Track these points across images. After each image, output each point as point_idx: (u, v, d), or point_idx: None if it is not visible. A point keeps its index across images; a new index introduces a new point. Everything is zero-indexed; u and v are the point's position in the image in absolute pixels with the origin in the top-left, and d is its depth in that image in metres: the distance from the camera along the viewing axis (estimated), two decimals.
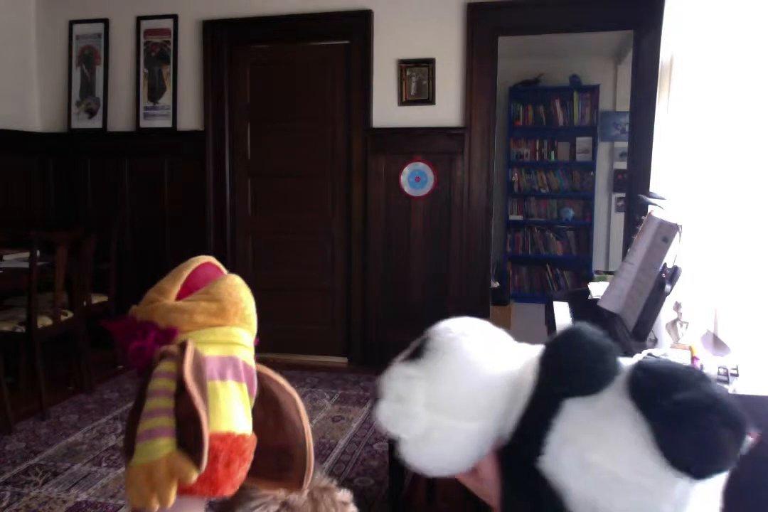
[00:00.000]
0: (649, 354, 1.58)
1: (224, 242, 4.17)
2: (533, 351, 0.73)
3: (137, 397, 0.88)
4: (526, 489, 0.65)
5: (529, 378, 0.66)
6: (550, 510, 0.61)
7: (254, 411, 0.89)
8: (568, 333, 0.64)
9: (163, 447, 0.79)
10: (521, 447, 0.65)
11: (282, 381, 0.89)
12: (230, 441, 0.83)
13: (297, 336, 4.15)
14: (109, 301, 3.84)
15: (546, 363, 0.66)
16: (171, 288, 0.93)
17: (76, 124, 4.32)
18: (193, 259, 0.97)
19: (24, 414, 3.14)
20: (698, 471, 0.54)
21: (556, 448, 0.63)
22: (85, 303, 3.54)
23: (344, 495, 0.89)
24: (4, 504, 2.32)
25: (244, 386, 0.87)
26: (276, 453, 0.88)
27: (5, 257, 3.47)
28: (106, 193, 4.33)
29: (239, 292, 0.91)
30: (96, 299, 3.73)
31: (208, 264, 0.96)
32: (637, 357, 0.66)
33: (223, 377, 0.86)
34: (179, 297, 0.92)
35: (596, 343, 0.63)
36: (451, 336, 0.70)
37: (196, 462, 0.75)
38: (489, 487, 0.65)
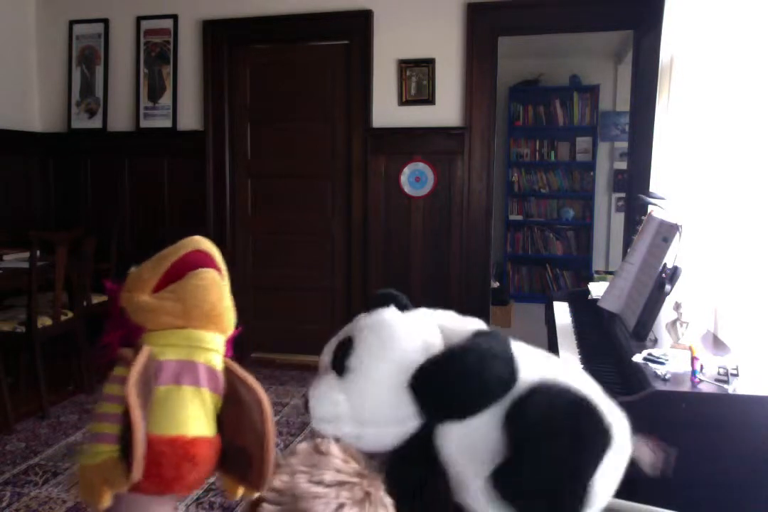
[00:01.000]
0: (649, 354, 1.58)
1: (224, 242, 4.17)
2: (435, 341, 0.79)
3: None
4: (414, 457, 0.72)
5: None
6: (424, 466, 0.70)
7: (224, 410, 0.88)
8: (444, 359, 0.69)
9: (100, 453, 0.80)
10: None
11: (252, 382, 0.88)
12: (178, 445, 0.82)
13: (297, 336, 4.15)
14: (109, 301, 3.83)
15: (417, 390, 0.71)
16: (149, 278, 0.92)
17: (76, 124, 4.32)
18: (184, 243, 0.94)
19: (24, 414, 3.14)
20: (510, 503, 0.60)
21: (441, 438, 0.70)
22: (85, 303, 3.54)
23: (388, 498, 0.87)
24: (4, 504, 2.32)
25: (204, 390, 0.86)
26: (237, 453, 0.87)
27: (5, 257, 3.47)
28: (106, 193, 4.33)
29: (206, 293, 0.89)
30: (96, 299, 3.72)
31: (197, 252, 0.94)
32: (537, 379, 0.69)
33: (178, 381, 0.85)
34: (157, 288, 0.90)
35: (471, 371, 0.67)
36: (373, 348, 0.74)
37: (129, 468, 0.76)
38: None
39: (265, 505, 0.81)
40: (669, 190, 2.57)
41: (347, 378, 0.75)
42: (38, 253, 3.04)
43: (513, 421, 0.63)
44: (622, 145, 5.29)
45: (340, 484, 0.81)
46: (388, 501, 0.83)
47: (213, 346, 0.88)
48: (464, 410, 0.65)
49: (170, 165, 4.22)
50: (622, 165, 5.19)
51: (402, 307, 0.95)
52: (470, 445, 0.66)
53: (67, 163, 4.37)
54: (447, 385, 0.67)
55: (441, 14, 3.78)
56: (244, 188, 4.22)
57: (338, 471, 0.82)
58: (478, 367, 0.65)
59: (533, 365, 0.77)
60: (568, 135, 5.92)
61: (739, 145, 1.89)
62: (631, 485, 0.85)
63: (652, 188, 2.90)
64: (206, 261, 0.94)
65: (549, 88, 5.87)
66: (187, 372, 0.84)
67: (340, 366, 0.76)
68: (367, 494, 0.80)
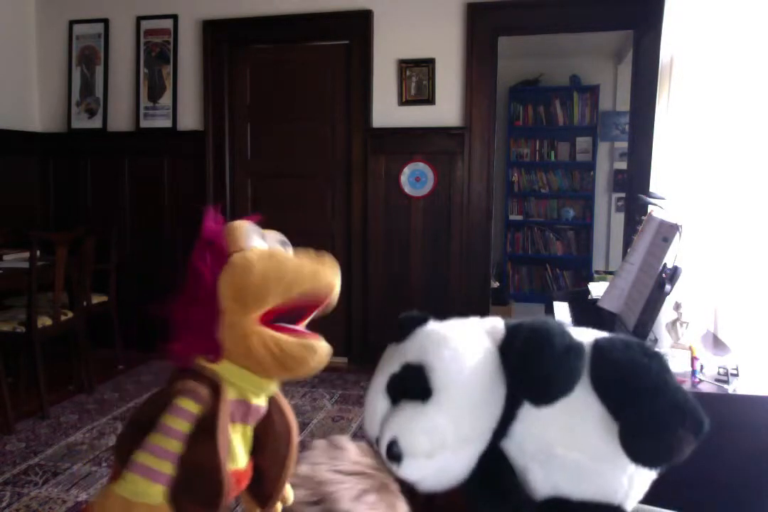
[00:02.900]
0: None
1: None
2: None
3: (151, 403, 0.86)
4: (490, 472, 0.67)
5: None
6: (511, 494, 0.63)
7: (257, 432, 0.90)
8: (533, 345, 0.64)
9: (153, 494, 0.79)
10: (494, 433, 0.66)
11: (288, 412, 0.90)
12: (234, 479, 0.85)
13: None
14: (109, 301, 3.84)
15: (509, 368, 0.66)
16: (266, 300, 0.83)
17: (76, 124, 4.31)
18: (319, 273, 0.88)
19: (24, 414, 3.14)
20: (653, 465, 0.57)
21: (520, 437, 0.64)
22: (85, 303, 3.54)
23: (402, 502, 0.88)
24: (4, 504, 2.32)
25: (249, 427, 0.88)
26: (253, 470, 0.89)
27: (5, 257, 3.47)
28: (106, 193, 4.33)
29: (308, 365, 0.85)
30: (96, 299, 3.72)
31: (326, 291, 0.89)
32: (592, 336, 0.66)
33: (233, 419, 0.86)
34: (264, 318, 0.84)
35: (560, 356, 0.63)
36: (453, 370, 0.68)
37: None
38: None
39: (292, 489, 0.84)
40: (669, 190, 2.57)
41: (437, 399, 0.68)
42: (38, 252, 3.04)
43: (602, 378, 0.60)
44: (622, 145, 5.29)
45: (359, 474, 0.82)
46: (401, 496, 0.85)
47: (271, 392, 0.89)
48: (557, 389, 0.62)
49: (170, 165, 4.22)
50: (622, 165, 5.19)
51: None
52: (574, 425, 0.61)
53: (67, 163, 4.37)
54: (540, 363, 0.63)
55: (441, 14, 3.78)
56: (244, 188, 4.22)
57: (355, 462, 0.84)
58: (560, 339, 0.63)
59: (577, 333, 0.73)
60: (568, 135, 5.92)
61: (739, 145, 1.89)
62: None
63: (652, 188, 2.89)
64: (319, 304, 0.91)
65: (549, 88, 5.86)
66: (239, 410, 0.85)
67: (418, 393, 0.70)
68: (384, 485, 0.82)
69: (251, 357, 0.81)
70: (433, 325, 0.86)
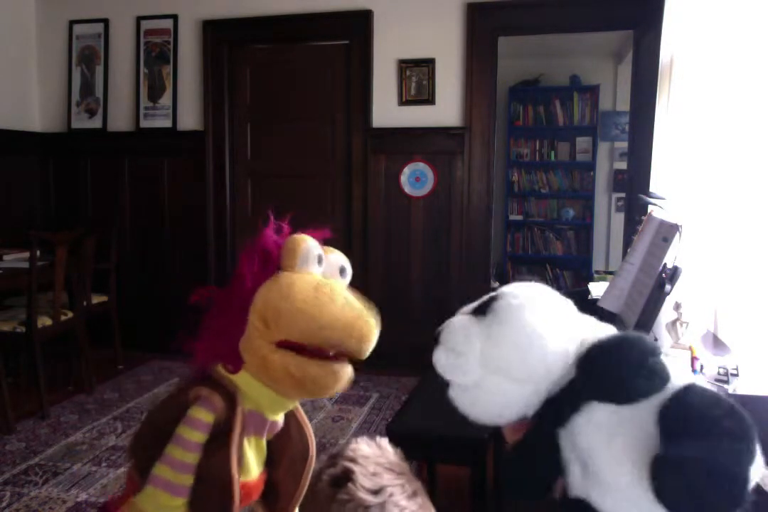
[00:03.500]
0: None
1: (224, 242, 4.17)
2: (594, 326, 0.75)
3: (167, 407, 0.85)
4: (540, 448, 0.69)
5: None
6: (550, 467, 0.65)
7: (272, 445, 0.90)
8: (617, 341, 0.66)
9: (176, 507, 0.78)
10: (550, 416, 0.67)
11: (307, 428, 0.90)
12: (245, 490, 0.85)
13: None
14: (109, 301, 3.84)
15: (584, 366, 0.67)
16: (280, 334, 0.80)
17: (76, 124, 4.31)
18: (353, 315, 0.84)
19: (24, 414, 3.14)
20: (671, 507, 0.56)
21: (576, 431, 0.66)
22: (85, 303, 3.54)
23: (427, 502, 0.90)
24: (4, 504, 2.32)
25: (263, 440, 0.88)
26: (267, 483, 0.90)
27: (5, 257, 3.47)
28: (106, 193, 4.33)
29: (327, 389, 0.84)
30: (96, 299, 3.72)
31: (361, 334, 0.88)
32: (691, 380, 0.66)
33: (247, 432, 0.86)
34: (286, 342, 0.81)
35: (639, 359, 0.64)
36: (517, 303, 0.72)
37: None
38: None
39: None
40: (669, 190, 2.57)
41: (488, 318, 0.73)
42: (38, 252, 3.04)
43: (669, 415, 0.60)
44: (622, 145, 5.29)
45: (404, 475, 0.84)
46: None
47: (288, 408, 0.89)
48: (628, 392, 0.63)
49: (170, 165, 4.22)
50: (622, 165, 5.18)
51: None
52: (620, 435, 0.62)
53: (67, 163, 4.37)
54: (620, 364, 0.64)
55: (441, 14, 3.78)
56: (244, 188, 4.22)
57: (398, 464, 0.85)
58: (650, 354, 0.64)
59: (676, 371, 0.75)
60: (568, 135, 5.92)
61: (739, 145, 1.89)
62: None
63: (652, 188, 2.89)
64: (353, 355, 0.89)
65: (549, 88, 5.86)
66: (254, 422, 0.85)
67: (481, 310, 0.74)
68: (422, 490, 0.83)
69: (270, 377, 0.80)
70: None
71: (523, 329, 0.72)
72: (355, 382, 3.39)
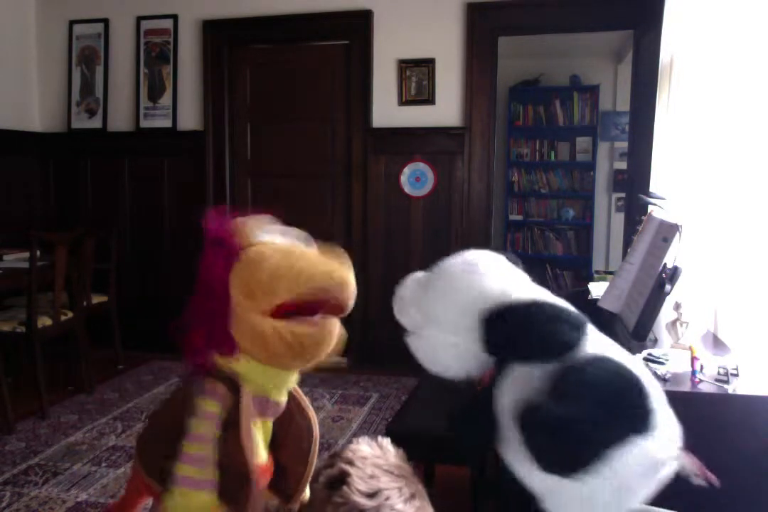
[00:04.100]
0: (649, 354, 1.59)
1: None
2: (540, 293, 0.83)
3: (171, 405, 0.86)
4: (477, 406, 0.75)
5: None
6: (488, 418, 0.73)
7: (276, 428, 0.90)
8: (526, 306, 0.72)
9: (207, 502, 0.78)
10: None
11: (308, 409, 0.91)
12: (259, 472, 0.85)
13: None
14: (109, 301, 3.84)
15: (492, 326, 0.74)
16: (276, 294, 0.82)
17: (76, 124, 4.31)
18: (333, 275, 0.86)
19: (24, 414, 3.14)
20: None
21: (501, 389, 0.72)
22: (85, 303, 3.54)
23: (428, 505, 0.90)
24: (4, 504, 2.32)
25: (268, 423, 0.88)
26: (275, 466, 0.89)
27: (5, 257, 3.47)
28: (106, 193, 4.33)
29: (320, 348, 0.84)
30: (96, 299, 3.72)
31: (337, 292, 0.87)
32: (610, 354, 0.70)
33: (254, 416, 0.86)
34: (275, 311, 0.82)
35: (543, 321, 0.71)
36: (456, 261, 0.81)
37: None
38: None
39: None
40: (669, 190, 2.57)
41: (431, 272, 0.82)
42: (38, 253, 3.04)
43: (564, 379, 0.65)
44: (622, 145, 5.29)
45: (403, 477, 0.85)
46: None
47: (290, 386, 0.89)
48: (526, 352, 0.68)
49: (170, 165, 4.22)
50: (622, 165, 5.18)
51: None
52: (515, 389, 0.67)
53: (67, 163, 4.37)
54: (523, 325, 0.70)
55: (441, 14, 3.78)
56: (244, 188, 4.22)
57: (398, 466, 0.86)
58: (553, 319, 0.68)
59: (601, 344, 0.78)
60: (568, 135, 5.92)
61: (739, 145, 1.89)
62: None
63: (652, 188, 2.89)
64: (339, 306, 0.90)
65: (549, 88, 5.86)
66: (258, 406, 0.85)
67: (431, 267, 0.84)
68: (421, 492, 0.84)
69: (267, 349, 0.81)
70: (490, 252, 0.99)
71: (452, 283, 0.80)
72: (355, 382, 3.41)
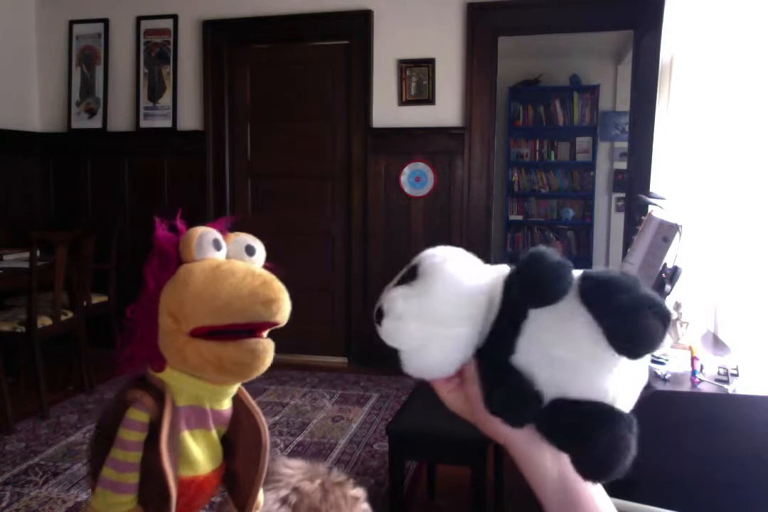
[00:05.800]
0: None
1: None
2: (502, 270, 0.84)
3: (109, 412, 0.86)
4: (502, 380, 0.75)
5: (500, 290, 0.77)
6: (522, 394, 0.72)
7: (228, 435, 0.90)
8: (533, 256, 0.74)
9: (124, 503, 0.81)
10: (496, 348, 0.75)
11: (255, 410, 0.88)
12: (195, 485, 0.85)
13: (296, 336, 4.15)
14: (109, 301, 3.83)
15: (514, 279, 0.76)
16: (188, 324, 0.80)
17: (76, 124, 4.31)
18: (259, 299, 0.84)
19: (24, 414, 3.14)
20: (636, 354, 0.65)
21: (526, 347, 0.74)
22: (85, 303, 3.54)
23: (357, 491, 0.92)
24: (4, 504, 2.32)
25: (211, 433, 0.87)
26: (227, 473, 0.90)
27: (5, 257, 3.47)
28: (106, 193, 4.33)
29: (252, 370, 0.83)
30: (96, 299, 3.72)
31: (267, 320, 0.86)
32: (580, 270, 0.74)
33: (189, 426, 0.86)
34: (197, 331, 0.81)
35: (555, 264, 0.74)
36: (438, 260, 0.80)
37: None
38: (470, 387, 0.74)
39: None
40: (669, 190, 2.57)
41: (419, 280, 0.81)
42: (38, 252, 3.04)
43: (587, 291, 0.70)
44: (622, 145, 5.29)
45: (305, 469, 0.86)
46: (358, 492, 0.87)
47: (231, 393, 0.88)
48: (555, 292, 0.72)
49: (170, 165, 4.22)
50: (622, 165, 5.18)
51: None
52: (568, 331, 0.72)
53: (67, 163, 4.37)
54: (540, 271, 0.74)
55: (441, 14, 3.78)
56: (244, 188, 4.22)
57: (297, 468, 0.88)
58: (558, 259, 0.72)
59: None
60: (568, 135, 5.92)
61: (739, 145, 1.89)
62: (632, 485, 0.85)
63: (652, 188, 2.89)
64: (272, 324, 0.88)
65: (549, 88, 5.86)
66: (194, 416, 0.85)
67: (410, 276, 0.82)
68: (326, 490, 0.85)
69: (191, 367, 0.81)
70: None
71: (448, 278, 0.80)
72: (355, 382, 3.41)
